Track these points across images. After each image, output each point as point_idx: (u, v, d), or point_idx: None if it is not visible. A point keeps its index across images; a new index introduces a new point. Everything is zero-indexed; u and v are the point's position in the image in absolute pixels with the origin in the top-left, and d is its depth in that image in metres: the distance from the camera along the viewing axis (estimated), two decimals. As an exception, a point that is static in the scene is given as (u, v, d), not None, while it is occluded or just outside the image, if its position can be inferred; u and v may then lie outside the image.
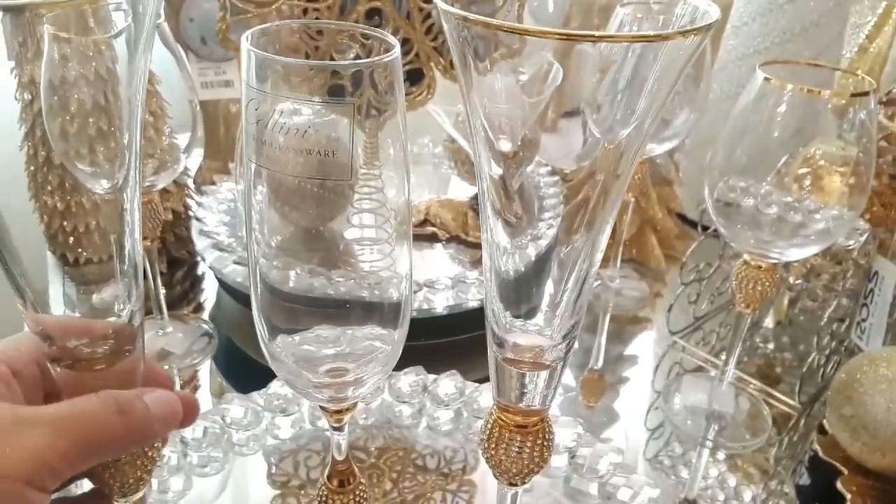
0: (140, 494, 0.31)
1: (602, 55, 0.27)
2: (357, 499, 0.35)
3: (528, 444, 0.30)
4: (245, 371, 0.61)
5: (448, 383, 0.53)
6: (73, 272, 0.34)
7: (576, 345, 0.51)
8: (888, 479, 0.49)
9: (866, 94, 0.44)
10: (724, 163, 0.49)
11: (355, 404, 0.33)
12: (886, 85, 0.82)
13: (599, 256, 0.29)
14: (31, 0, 0.31)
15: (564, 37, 0.22)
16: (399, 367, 0.42)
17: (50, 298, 0.32)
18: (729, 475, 0.55)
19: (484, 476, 0.51)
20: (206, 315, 0.68)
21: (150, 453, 0.30)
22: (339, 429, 0.34)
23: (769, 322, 0.72)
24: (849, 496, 0.48)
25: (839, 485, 0.49)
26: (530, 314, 0.30)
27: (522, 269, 0.30)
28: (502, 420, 0.31)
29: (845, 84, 0.50)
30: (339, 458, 0.35)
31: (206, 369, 0.61)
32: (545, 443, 0.31)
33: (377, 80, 0.30)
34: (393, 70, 0.28)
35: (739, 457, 0.56)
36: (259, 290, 0.31)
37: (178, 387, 0.59)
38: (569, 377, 0.65)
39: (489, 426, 0.31)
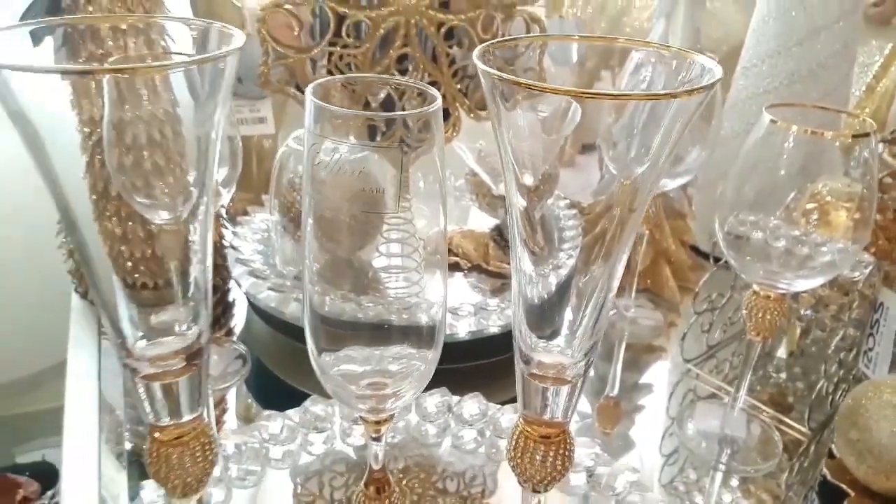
0: (199, 495, 0.34)
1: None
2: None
3: (552, 454, 0.33)
4: (275, 391, 0.64)
5: (472, 404, 0.56)
6: (132, 294, 0.37)
7: (594, 362, 0.54)
8: (892, 501, 0.50)
9: (867, 134, 0.47)
10: (734, 198, 0.52)
11: (392, 416, 0.36)
12: (893, 123, 0.85)
13: (616, 284, 0.32)
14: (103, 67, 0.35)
15: (579, 94, 0.26)
16: (424, 388, 0.45)
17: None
18: (742, 500, 0.57)
19: (501, 499, 0.53)
20: (235, 339, 0.71)
21: (209, 456, 0.33)
22: (378, 439, 0.37)
23: (782, 352, 0.74)
24: (856, 518, 0.50)
25: (847, 507, 0.51)
26: (553, 336, 0.33)
27: (545, 295, 0.33)
28: (527, 431, 0.34)
29: (850, 124, 0.53)
30: (377, 467, 0.38)
31: (232, 391, 0.64)
32: (567, 452, 0.34)
33: (411, 122, 0.34)
34: (434, 116, 0.31)
35: (752, 482, 0.58)
36: (308, 312, 0.34)
37: (213, 409, 0.62)
38: (585, 405, 0.68)
39: (515, 437, 0.34)
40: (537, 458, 0.33)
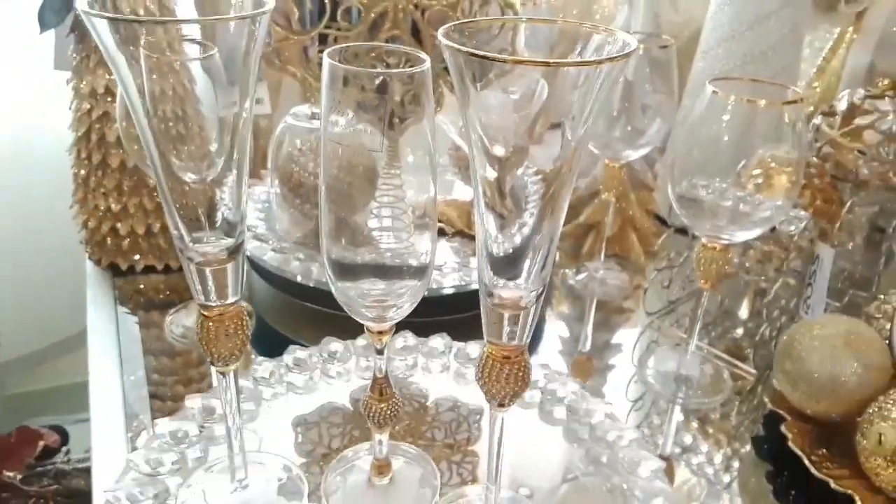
0: (236, 365, 0.44)
1: (570, 77, 0.37)
2: (392, 406, 0.46)
3: (514, 372, 0.41)
4: (274, 345, 0.70)
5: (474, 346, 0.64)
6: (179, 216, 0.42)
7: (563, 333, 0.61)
8: (822, 423, 0.58)
9: (795, 102, 0.54)
10: (682, 162, 0.59)
11: (393, 327, 0.44)
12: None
13: (558, 236, 0.39)
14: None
15: (531, 63, 0.32)
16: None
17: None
18: (698, 434, 0.64)
19: (484, 447, 0.58)
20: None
21: (241, 332, 0.42)
22: (381, 352, 0.45)
23: (744, 312, 0.82)
24: (790, 436, 0.57)
25: (783, 428, 0.58)
26: (512, 278, 0.40)
27: (508, 250, 0.39)
28: (492, 354, 0.41)
29: (783, 94, 0.60)
30: (380, 375, 0.46)
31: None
32: (524, 370, 0.41)
33: (403, 93, 0.41)
34: (422, 82, 0.38)
35: (708, 421, 0.65)
36: (324, 254, 0.42)
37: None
38: (560, 363, 0.75)
39: (482, 360, 0.41)
40: (502, 376, 0.41)
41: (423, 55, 0.38)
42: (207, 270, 0.41)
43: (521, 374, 0.41)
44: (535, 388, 0.61)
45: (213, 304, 0.42)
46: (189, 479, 0.51)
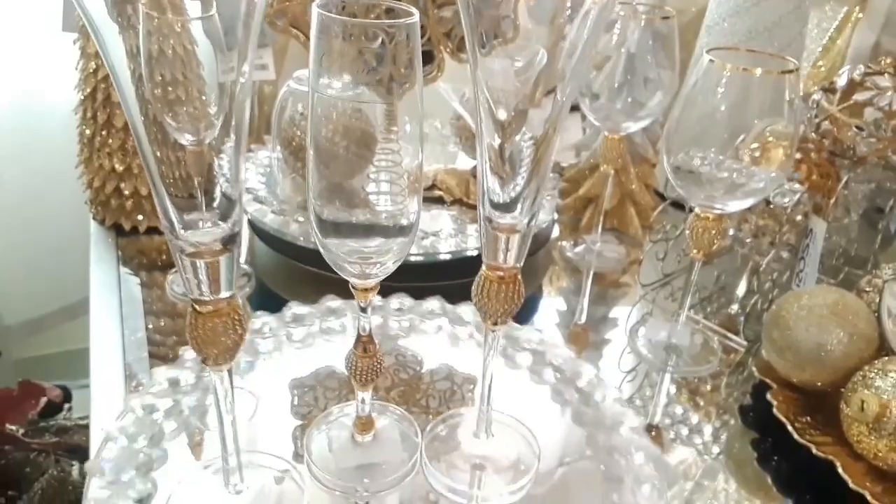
0: (230, 365, 0.42)
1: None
2: (375, 363, 0.47)
3: (506, 291, 0.44)
4: (273, 306, 0.72)
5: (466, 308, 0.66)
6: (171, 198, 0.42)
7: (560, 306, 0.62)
8: (808, 391, 0.59)
9: (791, 71, 0.55)
10: (678, 131, 0.59)
11: (377, 286, 0.44)
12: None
13: (548, 179, 0.44)
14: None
15: None
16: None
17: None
18: (688, 402, 0.65)
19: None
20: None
21: (239, 330, 0.41)
22: (364, 310, 0.45)
23: (741, 290, 0.82)
24: (775, 403, 0.58)
25: (768, 396, 0.59)
26: (509, 212, 0.43)
27: (506, 200, 0.43)
28: (489, 275, 0.44)
29: (781, 64, 0.60)
30: (364, 333, 0.46)
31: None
32: (518, 289, 0.45)
33: (398, 58, 0.41)
34: (412, 41, 0.38)
35: (698, 392, 0.66)
36: (313, 210, 0.42)
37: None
38: (557, 335, 0.75)
39: (480, 280, 0.45)
40: (501, 295, 0.44)
41: (413, 10, 0.39)
42: (200, 263, 0.39)
43: (513, 293, 0.45)
44: (526, 351, 0.63)
45: (207, 300, 0.40)
46: (183, 475, 0.50)
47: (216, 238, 0.40)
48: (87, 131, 0.77)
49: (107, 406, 0.57)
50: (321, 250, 0.43)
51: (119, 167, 0.77)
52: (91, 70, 0.75)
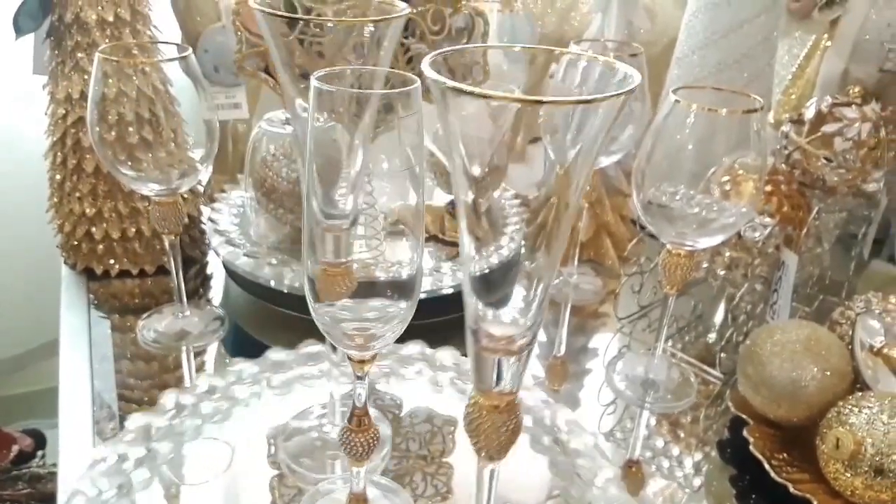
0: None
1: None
2: (371, 438, 0.44)
3: (505, 422, 0.37)
4: (249, 350, 0.71)
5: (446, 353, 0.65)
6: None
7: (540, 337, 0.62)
8: (783, 427, 0.59)
9: (755, 110, 0.55)
10: (648, 168, 0.60)
11: (375, 356, 0.42)
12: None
13: (553, 274, 0.36)
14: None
15: (517, 100, 0.30)
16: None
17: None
18: (667, 436, 0.65)
19: (457, 458, 0.59)
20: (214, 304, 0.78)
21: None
22: (361, 378, 0.43)
23: (718, 318, 0.82)
24: (752, 440, 0.58)
25: (745, 432, 0.59)
26: (500, 306, 0.37)
27: (489, 274, 0.36)
28: (481, 403, 0.37)
29: (746, 102, 0.61)
30: (359, 405, 0.44)
31: (211, 348, 0.71)
32: (516, 420, 0.38)
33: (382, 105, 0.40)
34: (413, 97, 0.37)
35: (679, 424, 0.66)
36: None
37: (192, 361, 0.69)
38: (537, 367, 0.75)
39: (470, 408, 0.38)
40: (494, 427, 0.37)
41: (412, 77, 0.38)
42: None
43: (513, 424, 0.38)
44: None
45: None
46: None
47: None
48: (58, 176, 0.76)
49: (76, 453, 0.56)
50: (316, 320, 0.41)
51: (90, 211, 0.76)
52: (60, 115, 0.74)
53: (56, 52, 0.75)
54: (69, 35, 0.73)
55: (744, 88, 0.83)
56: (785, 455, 0.57)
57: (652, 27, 0.97)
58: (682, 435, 0.65)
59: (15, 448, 0.78)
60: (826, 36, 0.98)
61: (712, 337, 0.79)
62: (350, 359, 0.42)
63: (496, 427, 0.37)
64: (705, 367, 0.70)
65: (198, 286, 0.82)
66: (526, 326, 0.36)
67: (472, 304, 0.36)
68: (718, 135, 0.58)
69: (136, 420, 0.56)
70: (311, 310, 0.41)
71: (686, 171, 0.60)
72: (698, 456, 0.62)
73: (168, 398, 0.57)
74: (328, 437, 0.57)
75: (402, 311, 0.41)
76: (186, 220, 0.80)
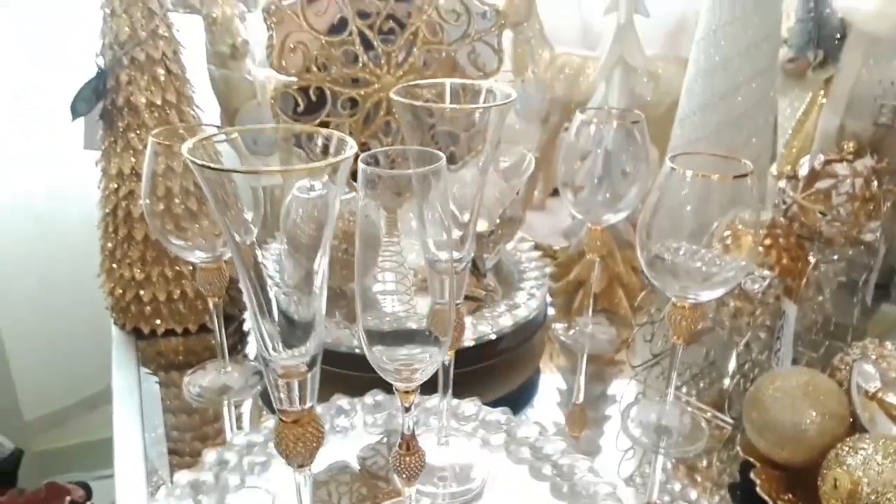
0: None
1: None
2: (420, 459, 0.50)
3: (305, 434, 0.46)
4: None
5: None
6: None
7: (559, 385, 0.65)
8: (789, 469, 0.63)
9: (744, 175, 0.60)
10: (650, 227, 0.65)
11: (418, 388, 0.48)
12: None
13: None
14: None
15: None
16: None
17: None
18: (682, 480, 0.68)
19: None
20: (252, 359, 0.84)
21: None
22: (408, 409, 0.49)
23: (732, 365, 0.86)
24: (758, 482, 0.61)
25: (752, 475, 0.62)
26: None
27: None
28: (283, 420, 0.46)
29: (737, 167, 0.66)
30: (407, 432, 0.50)
31: (248, 401, 0.77)
32: (317, 430, 0.47)
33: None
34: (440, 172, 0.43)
35: (695, 468, 0.69)
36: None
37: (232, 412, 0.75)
38: (558, 414, 0.79)
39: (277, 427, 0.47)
40: (297, 440, 0.46)
41: (437, 154, 0.44)
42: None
43: (314, 434, 0.47)
44: (525, 444, 0.66)
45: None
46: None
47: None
48: (109, 244, 0.83)
49: (131, 501, 0.62)
50: (369, 357, 0.47)
51: (139, 276, 0.82)
52: (112, 189, 0.81)
53: (108, 132, 0.82)
54: (121, 117, 0.81)
55: (744, 146, 0.89)
56: (790, 496, 0.61)
57: (656, 87, 1.03)
58: (699, 479, 0.68)
59: (68, 499, 0.83)
60: (822, 93, 1.03)
61: (727, 382, 0.83)
62: (397, 390, 0.48)
63: (299, 439, 0.46)
64: (716, 413, 0.74)
65: (236, 342, 0.88)
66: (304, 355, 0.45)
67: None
68: (713, 196, 0.63)
69: (184, 476, 0.61)
70: (366, 351, 0.47)
71: (687, 229, 0.65)
72: (713, 499, 0.66)
73: (211, 454, 0.62)
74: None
75: (434, 355, 0.47)
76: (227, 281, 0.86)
